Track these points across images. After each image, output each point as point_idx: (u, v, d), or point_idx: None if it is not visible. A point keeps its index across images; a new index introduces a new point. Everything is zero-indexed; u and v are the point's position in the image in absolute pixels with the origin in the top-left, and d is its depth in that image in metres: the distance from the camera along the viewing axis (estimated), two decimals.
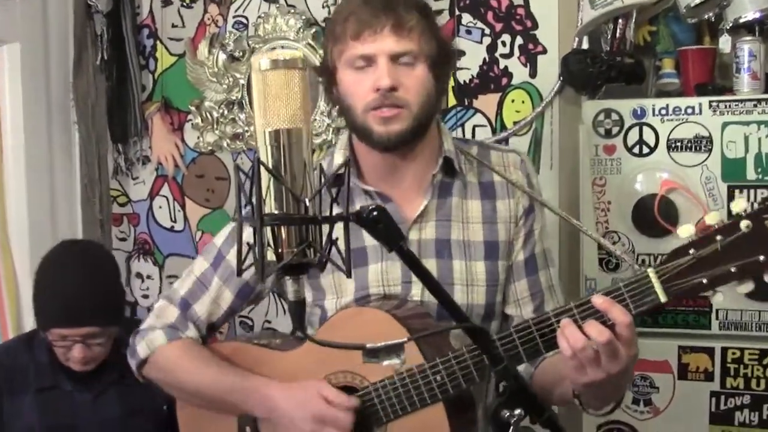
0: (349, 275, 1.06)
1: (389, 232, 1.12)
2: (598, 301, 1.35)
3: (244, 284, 1.69)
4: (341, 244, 1.06)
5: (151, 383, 1.74)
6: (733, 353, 2.13)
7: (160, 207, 2.96)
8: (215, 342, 1.80)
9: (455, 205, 1.64)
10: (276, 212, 1.03)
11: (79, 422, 2.16)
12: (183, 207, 2.92)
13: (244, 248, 1.05)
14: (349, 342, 1.20)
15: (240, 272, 1.05)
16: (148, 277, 2.99)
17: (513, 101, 2.48)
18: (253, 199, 1.02)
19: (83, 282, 2.10)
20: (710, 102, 2.10)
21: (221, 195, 2.86)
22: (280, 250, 1.04)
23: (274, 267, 1.03)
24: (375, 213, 1.10)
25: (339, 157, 1.66)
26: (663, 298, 1.35)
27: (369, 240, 1.59)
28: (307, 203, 1.03)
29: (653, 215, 2.14)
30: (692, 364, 2.16)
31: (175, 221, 2.94)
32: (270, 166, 1.02)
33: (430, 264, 1.59)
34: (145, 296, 3.00)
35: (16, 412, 2.13)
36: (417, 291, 1.61)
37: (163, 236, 2.96)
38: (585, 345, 1.31)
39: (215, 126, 2.80)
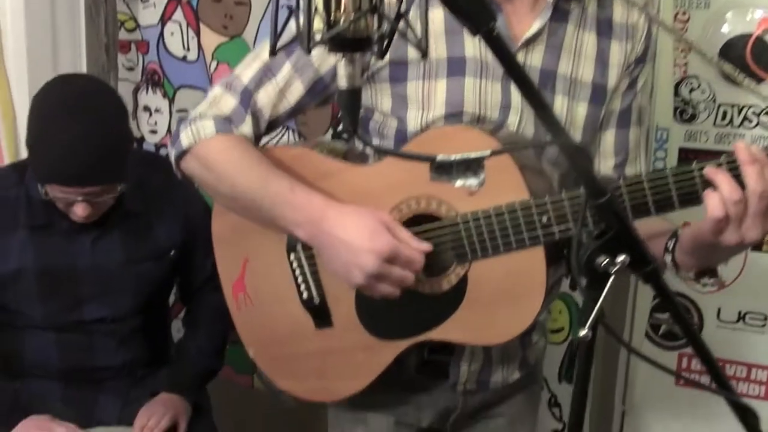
0: (424, 55, 0.79)
1: (475, 8, 0.83)
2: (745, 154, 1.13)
3: (318, 79, 1.41)
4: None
5: (185, 185, 1.51)
6: None
7: (172, 34, 2.64)
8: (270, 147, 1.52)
9: (569, 34, 1.38)
10: None
11: (77, 266, 1.91)
12: (197, 34, 2.60)
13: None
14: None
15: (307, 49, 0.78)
16: (157, 110, 2.70)
17: None
18: None
19: (83, 133, 1.73)
20: None
21: (240, 21, 2.54)
22: (335, 18, 0.76)
23: (324, 36, 0.75)
24: None
25: None
26: None
27: (471, 50, 1.35)
28: None
29: (744, 60, 1.83)
30: None
31: (188, 50, 2.63)
32: None
33: None
34: (153, 131, 2.72)
35: (6, 251, 1.88)
36: (514, 119, 1.36)
37: (175, 66, 2.65)
38: (741, 197, 1.11)
39: None
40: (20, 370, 1.99)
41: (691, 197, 1.17)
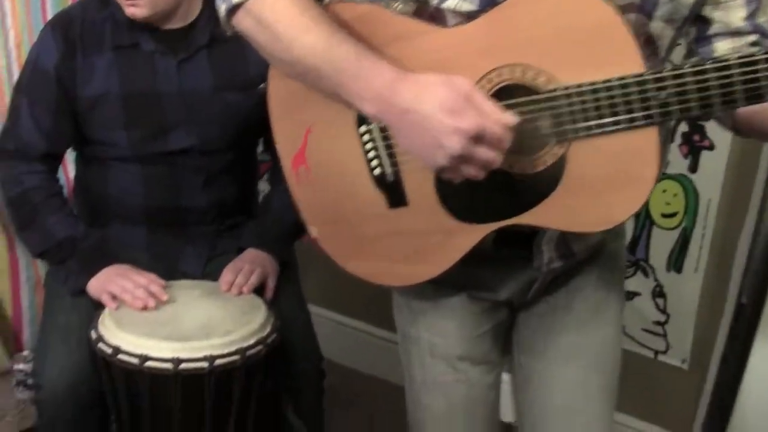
0: None
1: None
2: None
3: None
4: None
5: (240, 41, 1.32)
6: None
7: None
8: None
9: None
10: None
11: (161, 91, 1.86)
12: None
13: None
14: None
15: None
16: None
17: None
18: None
19: None
20: None
21: None
22: None
23: None
24: None
25: None
26: None
27: None
28: None
29: None
30: None
31: None
32: None
33: None
34: None
35: (92, 74, 1.84)
36: None
37: None
38: None
39: None
40: (105, 213, 1.96)
41: None
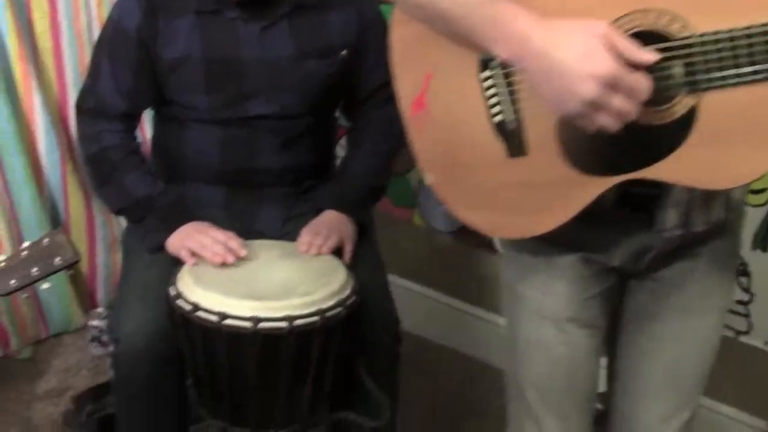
0: None
1: None
2: None
3: None
4: None
5: None
6: None
7: None
8: None
9: None
10: None
11: (243, 57, 1.84)
12: None
13: None
14: None
15: None
16: None
17: None
18: None
19: None
20: None
21: None
22: None
23: None
24: None
25: None
26: None
27: None
28: None
29: None
30: None
31: None
32: None
33: None
34: None
35: (174, 36, 1.83)
36: None
37: None
38: None
39: None
40: (182, 172, 1.96)
41: None
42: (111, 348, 2.60)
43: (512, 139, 1.24)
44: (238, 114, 1.86)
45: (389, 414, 1.79)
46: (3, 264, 1.63)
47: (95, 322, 2.64)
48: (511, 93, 1.22)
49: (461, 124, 1.29)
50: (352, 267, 1.81)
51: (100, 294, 2.81)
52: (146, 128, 2.50)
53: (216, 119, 1.87)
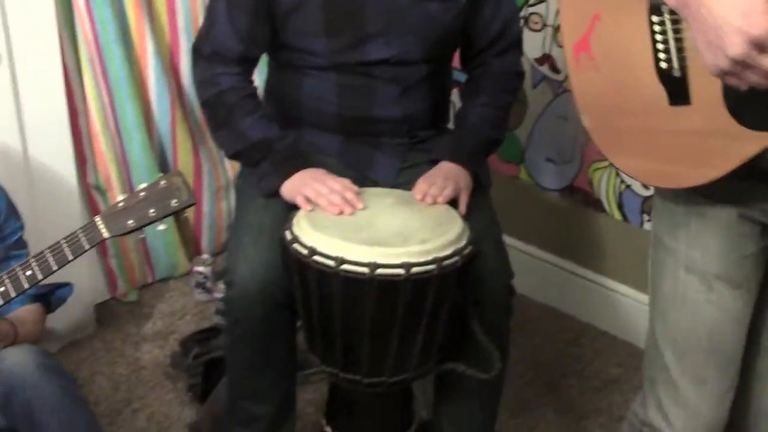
0: None
1: None
2: None
3: None
4: None
5: None
6: None
7: None
8: None
9: None
10: None
11: (365, 3, 1.82)
12: None
13: None
14: None
15: None
16: None
17: None
18: None
19: None
20: None
21: None
22: None
23: None
24: None
25: None
26: None
27: None
28: None
29: None
30: None
31: None
32: None
33: None
34: None
35: None
36: None
37: None
38: None
39: None
40: (298, 119, 1.96)
41: None
42: (216, 294, 2.65)
43: (676, 87, 1.22)
44: (356, 58, 1.84)
45: (500, 366, 1.76)
46: (121, 204, 1.66)
47: (200, 268, 2.68)
48: (678, 41, 1.20)
49: (625, 68, 1.27)
50: (467, 218, 1.78)
51: (205, 241, 2.86)
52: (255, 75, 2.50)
53: (333, 65, 1.85)
